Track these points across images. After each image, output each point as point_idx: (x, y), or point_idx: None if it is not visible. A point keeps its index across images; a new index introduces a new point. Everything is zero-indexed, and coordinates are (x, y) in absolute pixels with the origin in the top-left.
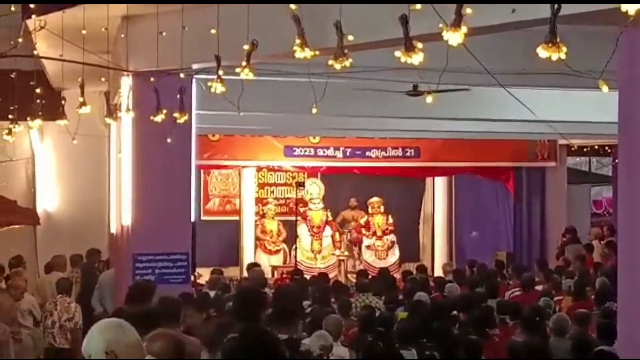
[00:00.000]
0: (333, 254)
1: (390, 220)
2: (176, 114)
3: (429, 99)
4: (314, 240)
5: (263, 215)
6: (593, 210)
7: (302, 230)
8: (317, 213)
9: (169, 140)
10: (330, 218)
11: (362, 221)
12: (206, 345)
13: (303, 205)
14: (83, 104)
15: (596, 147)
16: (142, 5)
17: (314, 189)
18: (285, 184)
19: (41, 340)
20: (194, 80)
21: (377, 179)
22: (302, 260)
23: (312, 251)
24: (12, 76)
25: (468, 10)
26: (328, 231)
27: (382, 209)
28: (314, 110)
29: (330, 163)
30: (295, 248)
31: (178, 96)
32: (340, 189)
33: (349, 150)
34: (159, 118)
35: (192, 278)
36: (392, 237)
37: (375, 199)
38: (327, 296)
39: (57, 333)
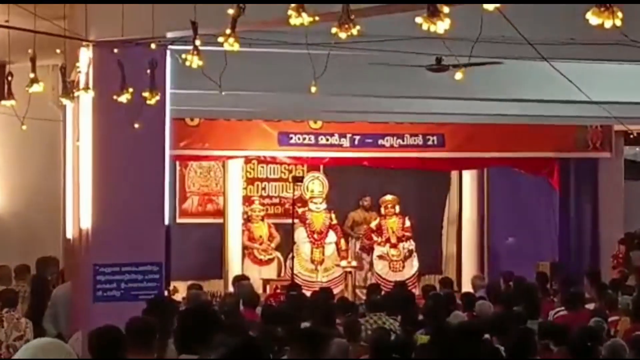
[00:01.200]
0: (338, 265)
1: (408, 224)
2: (146, 94)
3: (457, 74)
4: (314, 249)
5: (249, 219)
6: None
7: (300, 235)
8: (319, 215)
9: (137, 125)
10: (334, 221)
11: (374, 225)
12: None
13: (301, 205)
14: (34, 80)
15: None
16: None
17: (315, 185)
18: (279, 179)
19: None
20: (167, 51)
21: (391, 173)
22: (300, 273)
23: (313, 262)
24: None
25: None
26: (332, 237)
27: (397, 209)
28: (314, 89)
29: (335, 153)
30: (292, 257)
31: (148, 71)
32: (346, 186)
33: (357, 137)
34: (124, 98)
35: (166, 294)
36: (409, 245)
37: (388, 198)
38: (331, 316)
39: (4, 354)
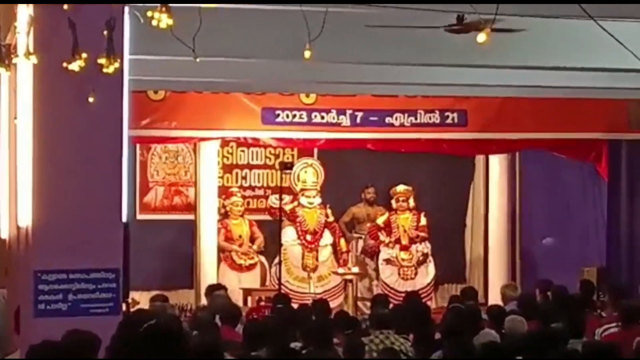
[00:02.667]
0: (335, 273)
1: (424, 222)
2: (102, 60)
3: (481, 37)
4: (306, 253)
5: (226, 215)
6: None
7: (289, 236)
8: (312, 212)
9: (91, 99)
10: (331, 218)
11: (381, 221)
12: None
13: (291, 199)
14: None
15: None
16: None
17: (308, 174)
18: (263, 166)
19: None
20: (126, 9)
21: (401, 158)
22: (289, 282)
23: (304, 268)
24: None
25: None
26: (327, 238)
27: (411, 202)
28: (307, 54)
29: (332, 134)
30: (279, 263)
31: (105, 33)
32: (346, 175)
33: (359, 114)
34: (76, 65)
35: (124, 307)
36: (424, 247)
37: (401, 188)
38: (328, 334)
39: None
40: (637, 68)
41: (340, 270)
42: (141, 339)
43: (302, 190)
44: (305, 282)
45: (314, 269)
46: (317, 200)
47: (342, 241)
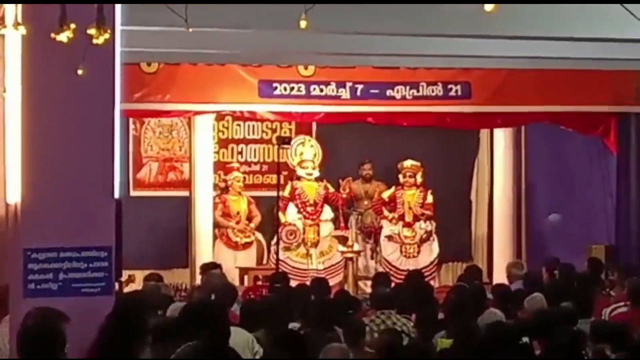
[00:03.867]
0: (339, 251)
1: (430, 199)
2: (92, 31)
3: (487, 5)
4: (307, 227)
5: (226, 189)
6: None
7: (290, 214)
8: (311, 185)
9: (80, 71)
10: (331, 189)
11: (387, 195)
12: None
13: (289, 173)
14: None
15: None
16: None
17: (306, 148)
18: (261, 141)
19: None
20: None
21: (403, 132)
22: (289, 259)
23: (305, 243)
24: None
25: None
26: (328, 213)
27: (418, 178)
28: (303, 24)
29: (331, 107)
30: (277, 241)
31: (95, 3)
32: (346, 149)
33: (359, 87)
34: (65, 37)
35: (117, 286)
36: (428, 224)
37: (410, 163)
38: (328, 315)
39: None
40: None
41: (341, 247)
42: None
43: (300, 162)
44: (305, 258)
45: (315, 244)
46: (316, 173)
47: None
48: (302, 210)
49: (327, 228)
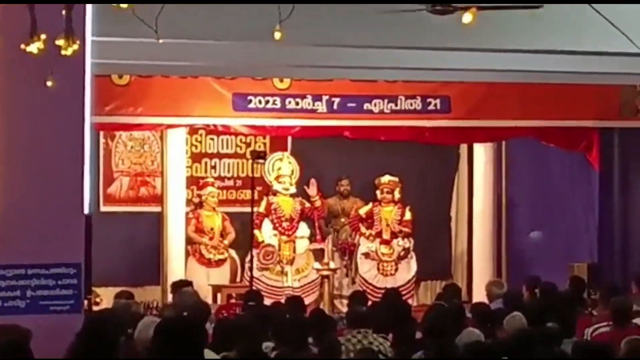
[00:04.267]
0: (315, 269)
1: (408, 216)
2: (60, 41)
3: (467, 17)
4: (282, 243)
5: (200, 205)
6: None
7: (266, 230)
8: (287, 200)
9: (49, 83)
10: (307, 205)
11: (364, 211)
12: None
13: (263, 188)
14: None
15: None
16: None
17: (284, 164)
18: (235, 155)
19: None
20: None
21: (381, 147)
22: (264, 276)
23: (280, 261)
24: None
25: None
26: (304, 230)
27: (396, 195)
28: (278, 36)
29: (307, 121)
30: (251, 258)
31: (64, 12)
32: (322, 164)
33: (336, 100)
34: (35, 48)
35: (86, 304)
36: (406, 242)
37: (387, 179)
38: (302, 334)
39: None
40: (630, 51)
41: (317, 265)
42: None
43: (277, 177)
44: (280, 276)
45: (291, 261)
46: (292, 189)
47: (319, 225)
48: (277, 226)
49: (303, 244)
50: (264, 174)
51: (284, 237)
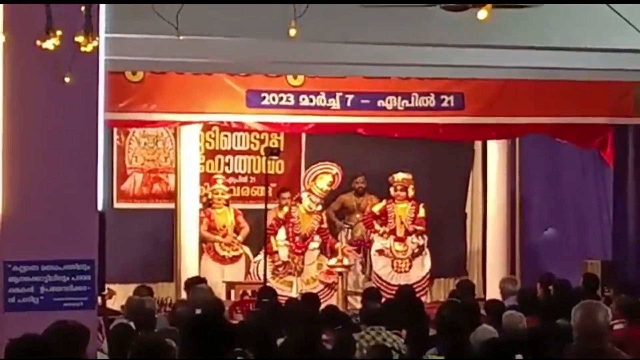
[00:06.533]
0: (321, 280)
1: (422, 213)
2: (79, 38)
3: (482, 13)
4: (292, 253)
5: (209, 204)
6: None
7: (279, 236)
8: (309, 217)
9: (67, 79)
10: (325, 225)
11: (377, 209)
12: None
13: (277, 185)
14: None
15: None
16: None
17: (324, 181)
18: (248, 152)
19: None
20: None
21: (395, 144)
22: (270, 284)
23: (290, 270)
24: None
25: None
26: (316, 241)
27: (410, 192)
28: (293, 32)
29: (321, 118)
30: (265, 255)
31: (82, 9)
32: (336, 161)
33: (350, 97)
34: (50, 44)
35: (100, 301)
36: (420, 239)
37: (401, 176)
38: (316, 330)
39: None
40: None
41: (332, 261)
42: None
43: (309, 190)
44: (288, 285)
45: (300, 273)
46: (319, 207)
47: (330, 237)
48: (291, 240)
49: (312, 255)
50: (303, 180)
51: (295, 252)
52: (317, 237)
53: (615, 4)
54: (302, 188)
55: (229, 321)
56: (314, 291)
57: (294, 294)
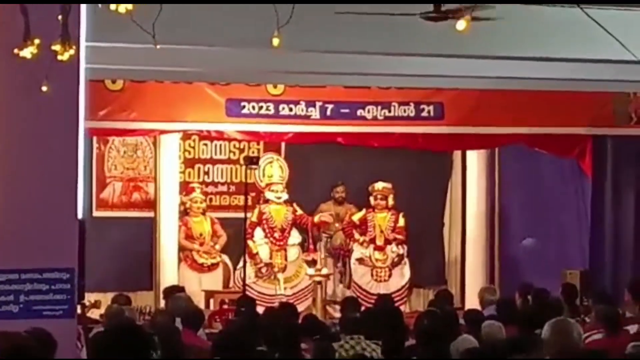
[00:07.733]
0: (308, 275)
1: (402, 223)
2: (56, 46)
3: (461, 24)
4: (274, 252)
5: (187, 212)
6: None
7: (258, 236)
8: (279, 208)
9: (44, 88)
10: (299, 212)
11: (357, 218)
12: None
13: (256, 197)
14: None
15: None
16: None
17: (274, 168)
18: (228, 161)
19: None
20: None
21: (375, 153)
22: (256, 284)
23: (273, 268)
24: None
25: None
26: (295, 237)
27: (390, 201)
28: (276, 42)
29: (301, 127)
30: (244, 263)
31: (60, 18)
32: (316, 170)
33: (330, 106)
34: (27, 52)
35: (80, 309)
36: (399, 249)
37: (381, 185)
38: (295, 340)
39: None
40: (623, 59)
41: (310, 271)
42: None
43: (268, 185)
44: (273, 283)
45: (283, 269)
46: (285, 195)
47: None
48: (269, 235)
49: (294, 252)
50: (256, 180)
51: (275, 247)
52: (295, 233)
53: (592, 7)
54: (262, 186)
55: (139, 327)
56: (300, 287)
57: (281, 291)
